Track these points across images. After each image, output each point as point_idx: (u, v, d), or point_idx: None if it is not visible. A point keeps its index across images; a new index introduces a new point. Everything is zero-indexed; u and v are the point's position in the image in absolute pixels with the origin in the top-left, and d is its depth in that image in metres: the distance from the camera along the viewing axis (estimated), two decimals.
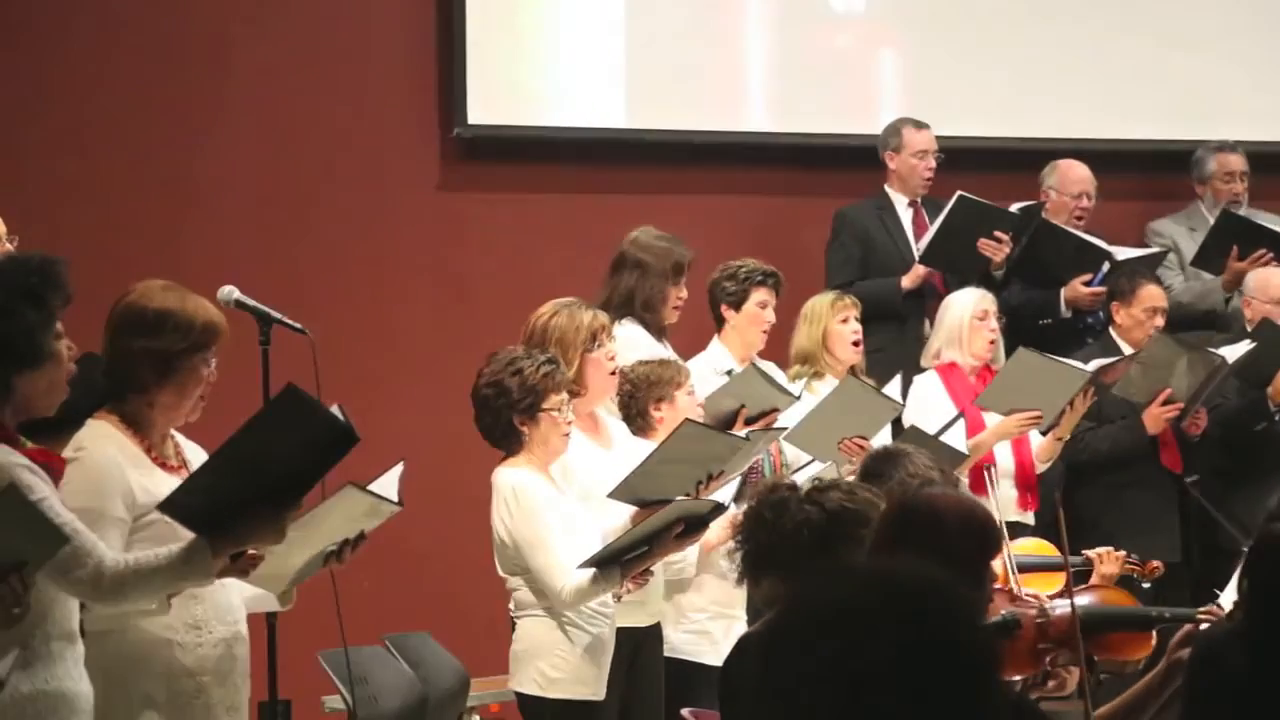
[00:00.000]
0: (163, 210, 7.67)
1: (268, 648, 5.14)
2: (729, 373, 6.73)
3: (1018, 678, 5.09)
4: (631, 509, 5.60)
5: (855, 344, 7.12)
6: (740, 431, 5.96)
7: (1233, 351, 7.64)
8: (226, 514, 4.19)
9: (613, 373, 5.96)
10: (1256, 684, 3.76)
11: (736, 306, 6.96)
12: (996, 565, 4.79)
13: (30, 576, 3.95)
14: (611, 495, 5.58)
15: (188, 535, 4.22)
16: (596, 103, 8.33)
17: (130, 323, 4.48)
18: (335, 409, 4.30)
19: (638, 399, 6.11)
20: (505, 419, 5.47)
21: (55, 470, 4.20)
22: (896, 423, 7.04)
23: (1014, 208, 7.96)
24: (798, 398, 6.62)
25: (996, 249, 7.79)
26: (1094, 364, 7.20)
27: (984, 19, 8.66)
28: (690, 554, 5.97)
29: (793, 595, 2.09)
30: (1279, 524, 3.82)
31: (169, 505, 4.23)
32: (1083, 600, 5.49)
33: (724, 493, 5.85)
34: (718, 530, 5.79)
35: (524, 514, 5.41)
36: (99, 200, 7.56)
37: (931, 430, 6.75)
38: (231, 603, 4.59)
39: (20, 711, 4.06)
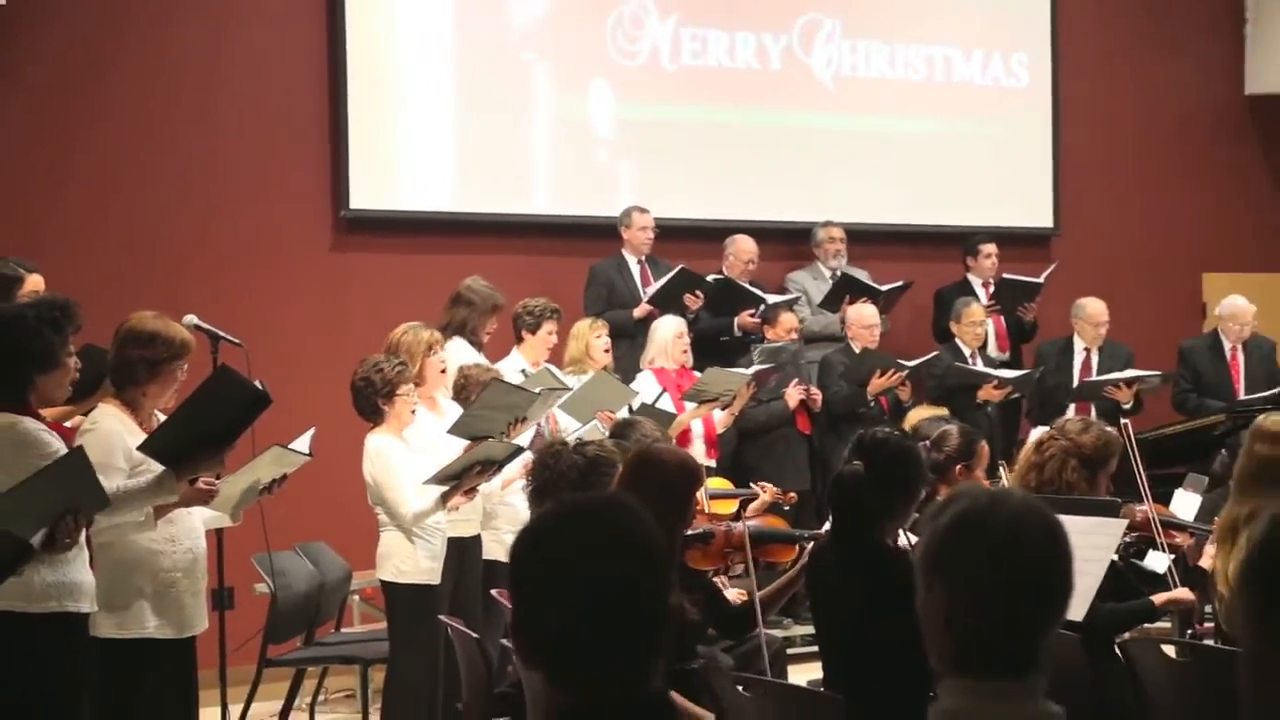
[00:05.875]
0: (140, 262, 7.50)
1: (218, 552, 5.13)
2: (523, 372, 6.70)
3: (709, 568, 5.18)
4: (465, 444, 5.49)
5: (606, 350, 7.15)
6: (535, 389, 5.90)
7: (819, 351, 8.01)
8: (184, 451, 4.22)
9: (442, 371, 5.94)
10: (838, 574, 3.87)
11: (533, 331, 6.93)
12: (699, 494, 4.93)
13: (84, 520, 3.99)
14: (450, 431, 5.51)
15: (158, 469, 4.24)
16: (438, 193, 8.22)
17: (132, 338, 4.48)
18: (257, 382, 4.35)
19: (466, 389, 6.05)
20: (372, 402, 5.43)
21: (65, 437, 4.19)
22: None
23: (710, 277, 8.04)
24: (570, 388, 6.62)
25: (695, 301, 7.91)
26: (753, 368, 7.31)
27: (683, 145, 8.71)
28: (495, 488, 5.91)
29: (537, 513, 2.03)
30: (847, 469, 3.83)
31: (145, 447, 4.26)
32: (755, 523, 5.51)
33: (524, 438, 5.81)
34: (516, 469, 5.76)
35: (382, 464, 5.38)
36: (95, 253, 7.40)
37: (650, 405, 6.86)
38: (194, 524, 4.60)
39: (45, 594, 4.04)
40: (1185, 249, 10.15)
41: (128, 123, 7.63)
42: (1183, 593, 4.61)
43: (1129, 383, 8.11)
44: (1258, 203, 10.46)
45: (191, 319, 5.18)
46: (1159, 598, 4.56)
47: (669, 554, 1.98)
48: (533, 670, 1.95)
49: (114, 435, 4.38)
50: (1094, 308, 8.59)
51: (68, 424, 4.65)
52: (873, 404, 7.84)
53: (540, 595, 1.91)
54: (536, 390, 5.87)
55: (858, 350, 7.99)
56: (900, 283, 8.54)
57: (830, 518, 4.05)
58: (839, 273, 8.55)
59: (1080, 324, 8.63)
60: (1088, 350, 8.61)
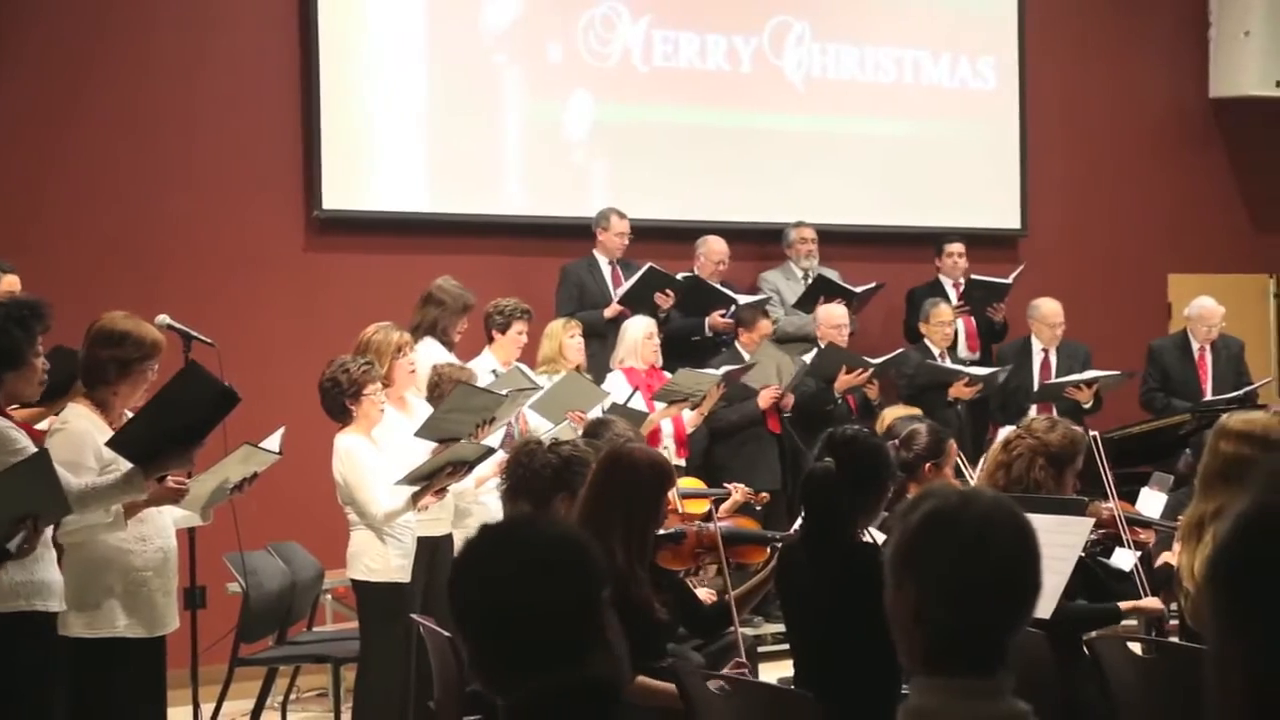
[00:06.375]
0: (114, 263, 7.47)
1: (189, 551, 5.11)
2: (494, 372, 6.69)
3: (680, 568, 5.15)
4: (434, 445, 5.47)
5: (579, 350, 7.12)
6: (501, 390, 5.90)
7: (807, 357, 7.90)
8: (152, 448, 4.18)
9: (412, 372, 5.91)
10: (810, 571, 3.86)
11: (503, 331, 6.91)
12: (671, 494, 4.89)
13: (43, 526, 3.96)
14: (417, 434, 5.47)
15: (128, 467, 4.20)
16: (410, 193, 8.21)
17: (102, 338, 4.44)
18: (226, 384, 4.32)
19: (440, 386, 6.04)
20: (340, 402, 5.40)
21: (35, 439, 4.17)
22: None
23: (680, 275, 8.02)
24: (540, 387, 6.61)
25: (665, 300, 7.90)
26: (723, 369, 7.30)
27: (654, 146, 8.71)
28: (469, 486, 5.88)
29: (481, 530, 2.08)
30: (818, 466, 3.83)
31: (113, 442, 4.23)
32: (726, 524, 5.47)
33: (494, 439, 5.80)
34: (490, 467, 5.72)
35: (351, 464, 5.36)
36: (71, 254, 7.38)
37: (622, 405, 6.83)
38: (165, 523, 4.57)
39: (14, 593, 4.03)
40: (1151, 250, 10.21)
41: (105, 125, 7.61)
42: (1151, 602, 4.62)
43: (1089, 383, 8.14)
44: (1222, 204, 10.53)
45: (164, 319, 5.14)
46: (1126, 605, 4.57)
47: (595, 551, 2.02)
48: (493, 693, 1.99)
49: (84, 435, 4.35)
50: (1049, 308, 8.62)
51: (42, 424, 4.62)
52: (839, 401, 7.86)
53: (480, 621, 1.95)
54: (504, 392, 5.85)
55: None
56: (873, 284, 8.55)
57: (802, 515, 4.05)
58: (811, 273, 8.56)
59: (1036, 325, 8.65)
60: (1046, 351, 8.63)
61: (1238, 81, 10.23)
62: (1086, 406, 8.07)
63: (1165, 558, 4.87)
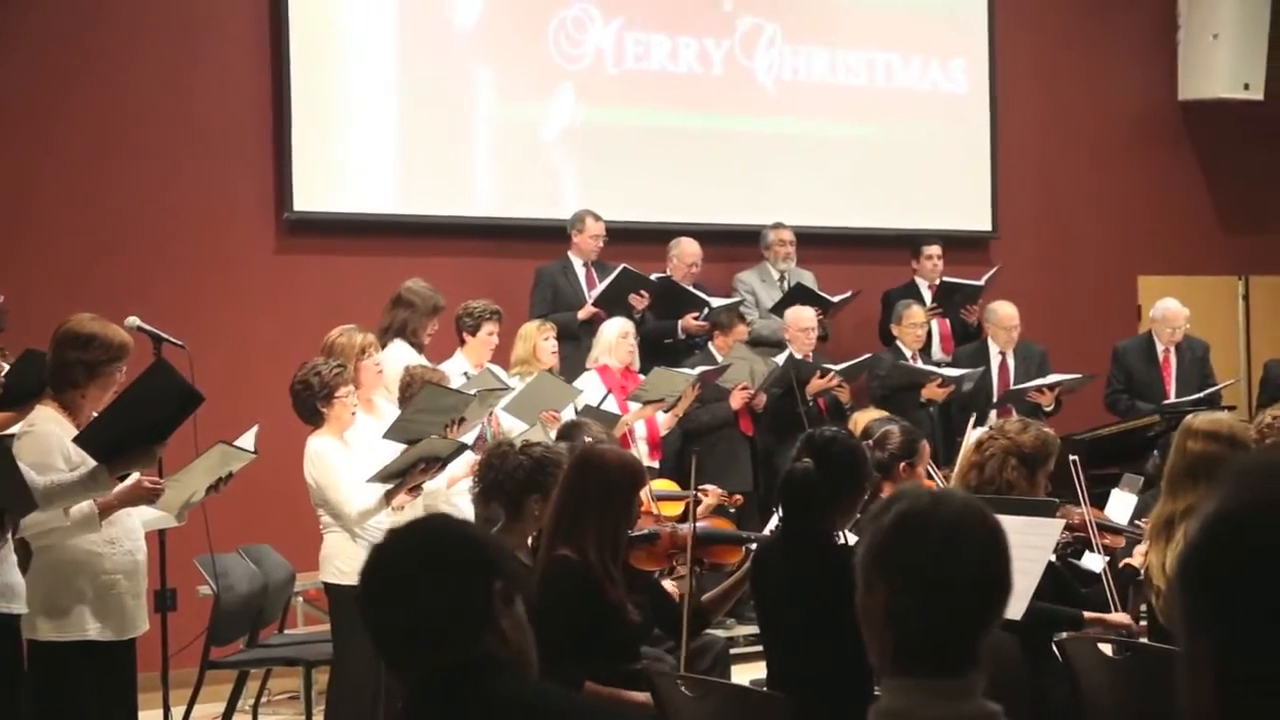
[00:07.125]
0: (89, 265, 7.43)
1: (160, 553, 5.07)
2: (466, 374, 6.66)
3: (654, 569, 5.13)
4: (402, 447, 5.42)
5: (553, 352, 7.12)
6: (470, 390, 5.88)
7: (779, 358, 7.91)
8: (118, 445, 4.16)
9: (378, 373, 5.89)
10: (785, 571, 3.86)
11: (473, 333, 6.91)
12: (644, 495, 4.87)
13: (9, 522, 3.93)
14: (386, 436, 5.46)
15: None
16: (382, 195, 8.17)
17: (69, 340, 4.41)
18: (190, 384, 4.29)
19: (412, 387, 6.01)
20: (311, 405, 5.39)
21: None
22: None
23: (653, 276, 8.01)
24: (510, 388, 6.58)
25: (640, 301, 7.89)
26: (698, 370, 7.31)
27: (627, 148, 8.70)
28: (441, 486, 5.85)
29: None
30: (797, 466, 3.85)
31: (80, 438, 4.21)
32: (701, 524, 5.37)
33: (468, 437, 5.80)
34: (463, 468, 5.71)
35: (323, 466, 5.35)
36: (44, 257, 7.34)
37: (595, 407, 6.85)
38: (134, 525, 4.55)
39: None
40: (1121, 252, 10.26)
41: (78, 129, 7.55)
42: (1118, 617, 4.63)
43: (1050, 387, 8.16)
44: (1192, 207, 10.58)
45: (133, 320, 5.10)
46: (1092, 616, 4.57)
47: (491, 548, 2.14)
48: (394, 670, 2.14)
49: (51, 437, 4.33)
50: (1005, 311, 8.62)
51: (13, 429, 4.58)
52: (810, 404, 7.85)
53: (383, 616, 2.09)
54: (473, 392, 5.82)
55: (796, 353, 7.99)
56: (849, 293, 8.52)
57: (780, 515, 4.04)
58: (788, 275, 8.55)
59: (993, 328, 8.65)
60: (1003, 353, 8.64)
61: (1207, 84, 10.28)
62: (1048, 410, 8.09)
63: (1128, 561, 4.89)
